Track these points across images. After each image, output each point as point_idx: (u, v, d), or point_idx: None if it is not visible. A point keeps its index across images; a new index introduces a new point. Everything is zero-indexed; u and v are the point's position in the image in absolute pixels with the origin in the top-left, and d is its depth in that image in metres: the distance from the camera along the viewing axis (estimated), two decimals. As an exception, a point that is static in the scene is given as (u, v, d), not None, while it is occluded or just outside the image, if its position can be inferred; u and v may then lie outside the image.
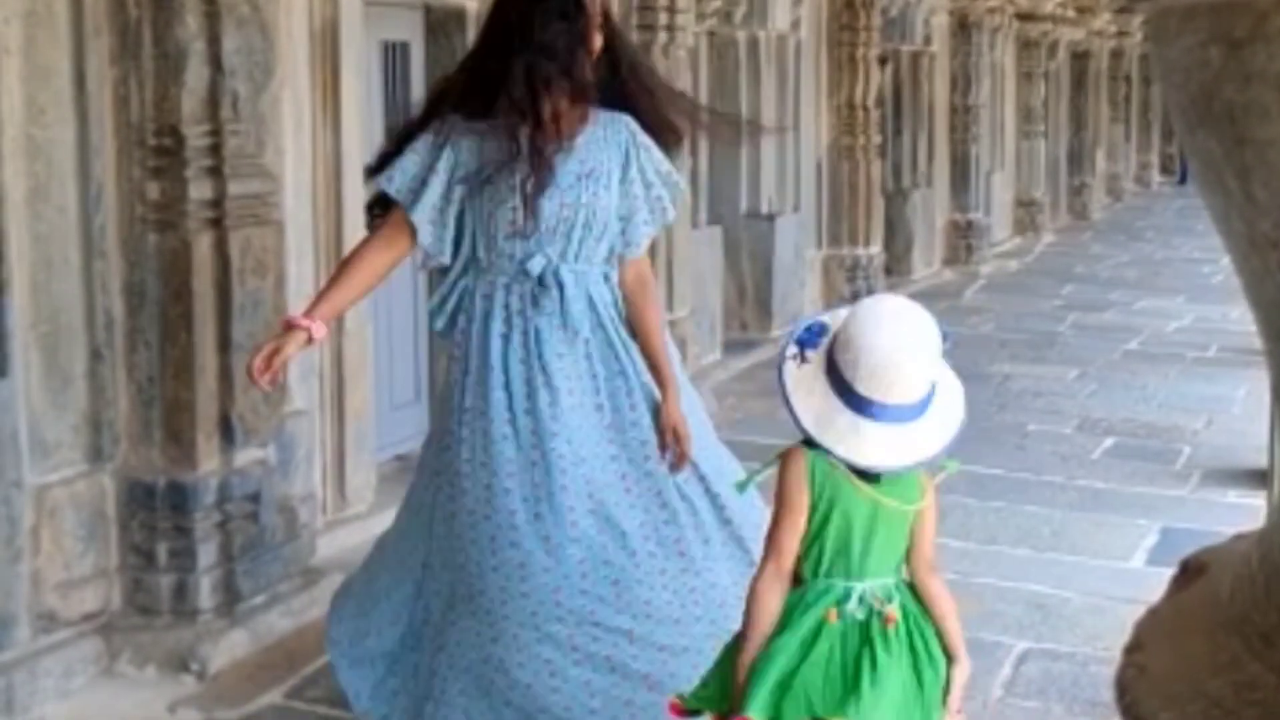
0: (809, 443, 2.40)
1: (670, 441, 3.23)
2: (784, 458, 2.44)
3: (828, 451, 2.38)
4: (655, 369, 3.29)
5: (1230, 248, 1.02)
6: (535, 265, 3.21)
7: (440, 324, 3.30)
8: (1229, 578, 1.03)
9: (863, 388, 2.35)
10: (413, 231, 3.25)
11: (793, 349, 2.42)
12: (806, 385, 2.39)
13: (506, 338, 3.21)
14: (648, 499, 3.21)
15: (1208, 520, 5.29)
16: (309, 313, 3.20)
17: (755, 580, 2.46)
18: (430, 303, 3.38)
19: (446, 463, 3.22)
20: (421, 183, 3.23)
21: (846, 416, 2.36)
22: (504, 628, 3.09)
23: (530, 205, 3.17)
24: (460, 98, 3.27)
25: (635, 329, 3.30)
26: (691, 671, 2.77)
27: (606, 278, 3.28)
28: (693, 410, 3.34)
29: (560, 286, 3.20)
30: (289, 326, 3.18)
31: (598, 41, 3.27)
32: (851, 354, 2.36)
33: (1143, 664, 1.06)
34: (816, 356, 2.41)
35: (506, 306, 3.22)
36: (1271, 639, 0.92)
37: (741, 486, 2.75)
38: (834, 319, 2.47)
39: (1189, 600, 1.11)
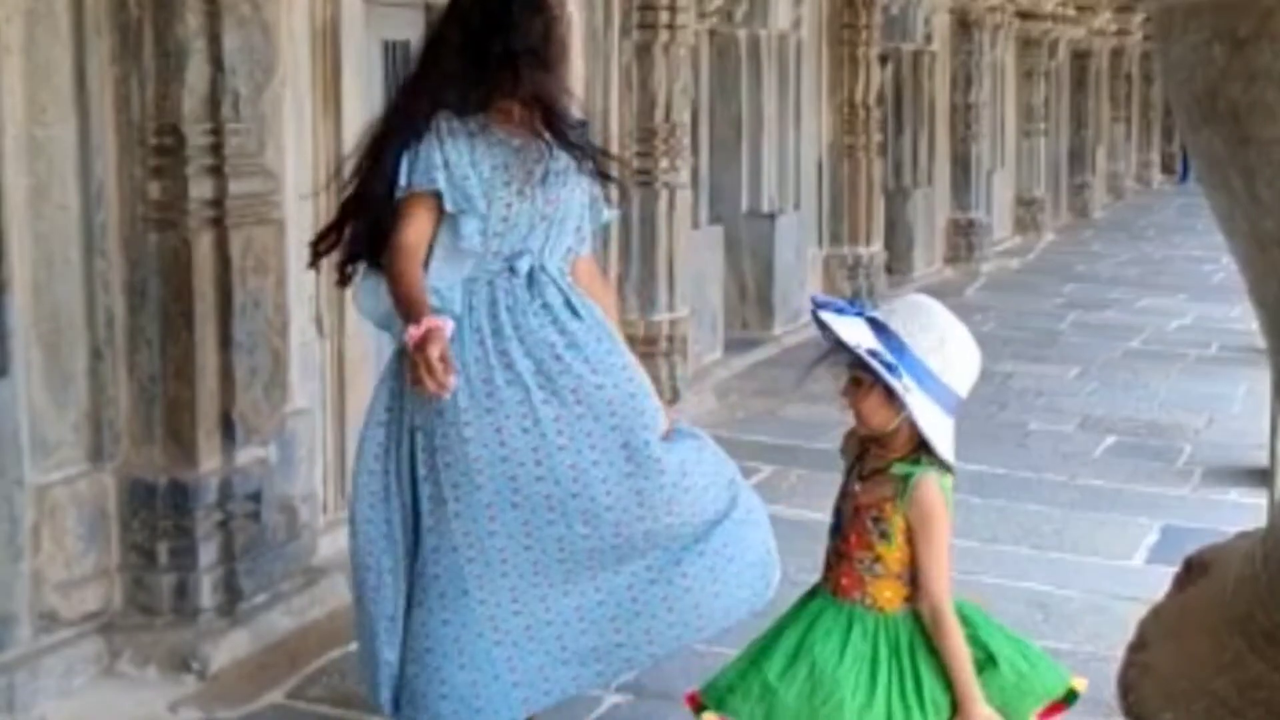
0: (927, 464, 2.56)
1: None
2: (922, 488, 2.54)
3: (942, 465, 2.56)
4: None
5: (1234, 247, 1.02)
6: (524, 264, 3.25)
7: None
8: (1232, 576, 1.03)
9: (963, 391, 2.57)
10: (446, 230, 3.24)
11: (902, 384, 2.48)
12: (931, 411, 2.52)
13: (500, 334, 3.22)
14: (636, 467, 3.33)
15: (1209, 519, 5.29)
16: (423, 318, 3.09)
17: (948, 618, 2.55)
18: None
19: (445, 465, 3.22)
20: (453, 183, 3.22)
21: (948, 422, 2.55)
22: (534, 593, 3.22)
23: (610, 182, 3.36)
24: (448, 96, 3.25)
25: None
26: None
27: (562, 274, 3.35)
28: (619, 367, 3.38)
29: (554, 282, 3.27)
30: (426, 336, 3.03)
31: (561, 33, 3.33)
32: (964, 360, 2.57)
33: (1147, 663, 1.06)
34: (909, 379, 2.48)
35: (497, 303, 3.23)
36: (1276, 638, 0.91)
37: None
38: (856, 334, 2.50)
39: (1192, 599, 1.11)
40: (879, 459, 2.61)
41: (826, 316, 2.54)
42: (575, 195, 3.33)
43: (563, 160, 3.28)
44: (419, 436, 3.23)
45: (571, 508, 3.21)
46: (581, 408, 3.23)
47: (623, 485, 3.25)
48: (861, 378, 2.56)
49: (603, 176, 3.36)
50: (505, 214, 3.23)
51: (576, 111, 3.44)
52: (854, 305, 2.62)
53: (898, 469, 2.56)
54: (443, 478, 3.20)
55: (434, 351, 2.98)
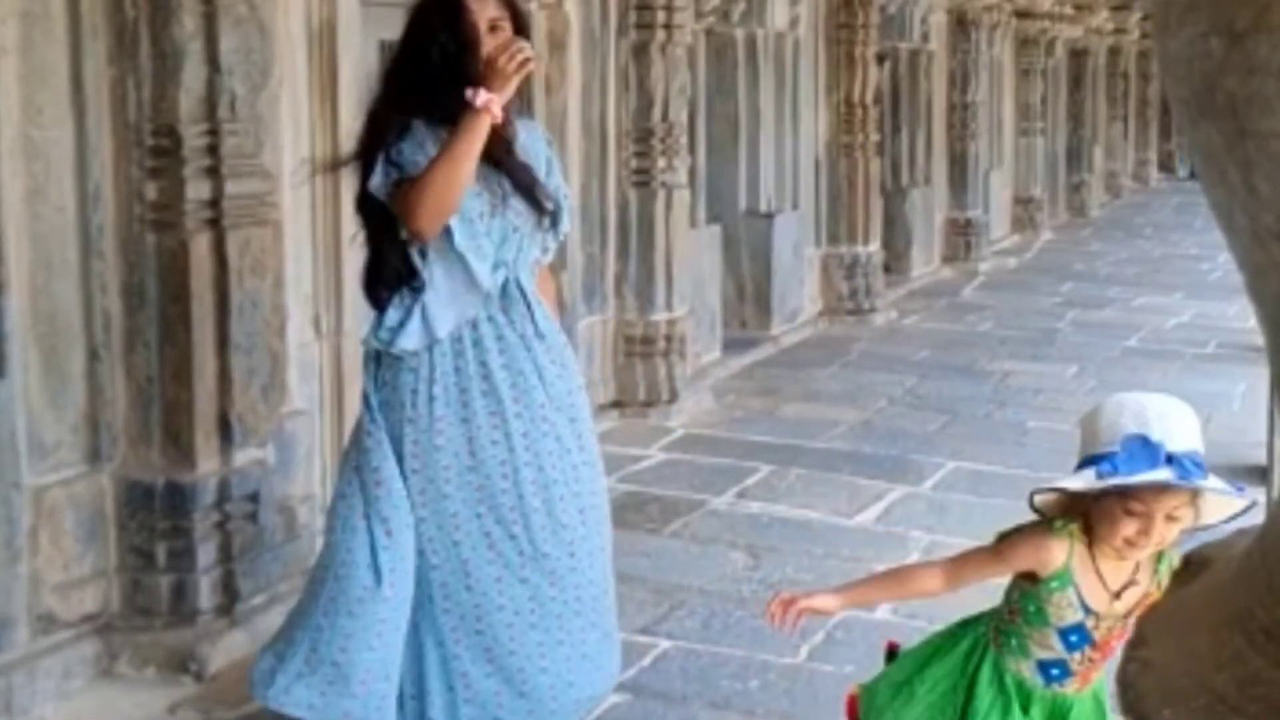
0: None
1: None
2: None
3: None
4: None
5: (1232, 243, 1.02)
6: (499, 276, 3.24)
7: (411, 343, 3.20)
8: (1231, 573, 1.03)
9: None
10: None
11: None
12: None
13: (476, 346, 3.22)
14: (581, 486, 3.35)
15: (1208, 517, 5.28)
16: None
17: None
18: (385, 325, 3.25)
19: (413, 471, 3.22)
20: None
21: None
22: (499, 617, 3.21)
23: (544, 213, 3.30)
24: (416, 107, 3.23)
25: None
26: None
27: (530, 284, 3.35)
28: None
29: (524, 294, 3.27)
30: (478, 101, 3.06)
31: (488, 46, 3.21)
32: None
33: (1146, 659, 1.06)
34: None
35: (474, 316, 3.22)
36: (1275, 634, 0.91)
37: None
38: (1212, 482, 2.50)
39: (1192, 595, 1.11)
40: (1120, 570, 2.53)
41: (1211, 486, 2.45)
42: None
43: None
44: (443, 441, 3.23)
45: (534, 523, 3.23)
46: (547, 425, 3.25)
47: (577, 504, 3.30)
48: (1180, 515, 2.47)
49: (533, 203, 3.28)
50: (479, 225, 3.22)
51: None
52: (1157, 453, 2.44)
53: (1161, 571, 2.54)
54: (410, 483, 3.20)
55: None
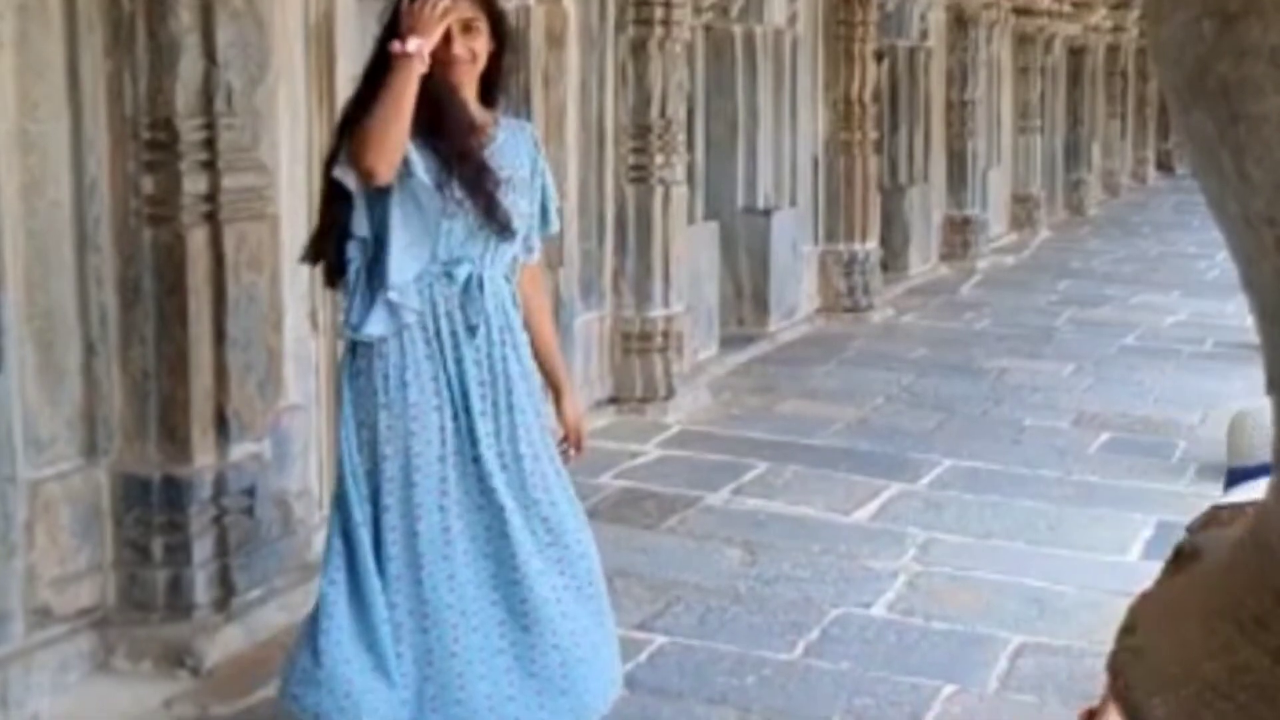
0: None
1: (574, 438, 3.48)
2: None
3: None
4: (552, 370, 3.49)
5: (1226, 232, 1.02)
6: (462, 271, 3.23)
7: (378, 329, 3.20)
8: (1223, 562, 1.03)
9: None
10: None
11: None
12: None
13: (438, 338, 3.22)
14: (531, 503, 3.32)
15: (1204, 514, 5.28)
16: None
17: None
18: (353, 313, 3.25)
19: (384, 457, 3.23)
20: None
21: None
22: (445, 615, 3.20)
23: (494, 223, 3.24)
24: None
25: (533, 332, 3.40)
26: None
27: (508, 280, 3.34)
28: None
29: (483, 294, 3.25)
30: (407, 49, 3.12)
31: (459, 46, 3.22)
32: None
33: (1137, 647, 1.06)
34: None
35: (435, 309, 3.23)
36: (1265, 622, 0.91)
37: None
38: None
39: (1183, 584, 1.11)
40: None
41: None
42: (521, 205, 3.31)
43: (506, 170, 3.28)
44: (363, 432, 3.23)
45: (476, 521, 3.22)
46: (483, 432, 3.25)
47: (526, 516, 3.28)
48: None
49: (487, 214, 3.25)
50: (439, 220, 3.22)
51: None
52: None
53: None
54: (382, 469, 3.20)
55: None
